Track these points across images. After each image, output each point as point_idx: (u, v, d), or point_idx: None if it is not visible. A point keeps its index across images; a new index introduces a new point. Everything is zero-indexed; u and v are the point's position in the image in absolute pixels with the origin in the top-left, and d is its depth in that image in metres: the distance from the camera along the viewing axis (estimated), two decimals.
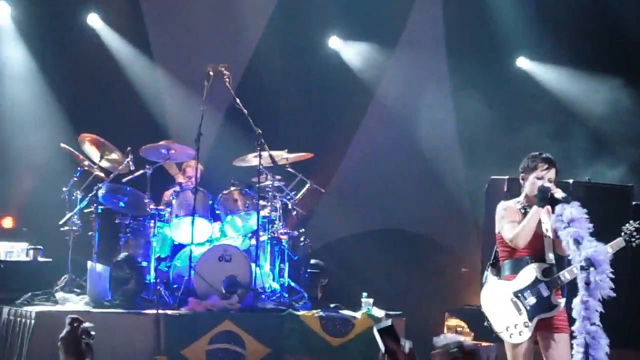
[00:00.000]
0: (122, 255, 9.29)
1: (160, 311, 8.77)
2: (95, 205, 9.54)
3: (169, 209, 9.68)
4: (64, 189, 9.60)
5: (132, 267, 9.16)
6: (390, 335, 3.86)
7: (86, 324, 3.70)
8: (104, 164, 9.83)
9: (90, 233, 9.58)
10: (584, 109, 11.91)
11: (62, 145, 9.87)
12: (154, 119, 11.52)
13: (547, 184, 6.43)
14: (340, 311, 9.40)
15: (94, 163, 9.78)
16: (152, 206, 9.61)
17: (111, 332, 8.49)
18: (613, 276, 6.11)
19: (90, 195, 9.54)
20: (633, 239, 6.45)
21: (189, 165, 10.13)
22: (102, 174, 9.76)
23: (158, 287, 9.17)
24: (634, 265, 9.67)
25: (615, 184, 10.62)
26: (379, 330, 3.91)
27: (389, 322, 3.94)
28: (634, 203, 10.23)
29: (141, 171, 9.72)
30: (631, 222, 6.51)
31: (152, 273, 9.37)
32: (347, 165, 12.26)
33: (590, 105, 11.86)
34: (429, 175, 11.99)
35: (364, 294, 9.45)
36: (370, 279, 11.03)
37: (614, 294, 6.11)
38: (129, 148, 9.70)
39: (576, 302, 6.11)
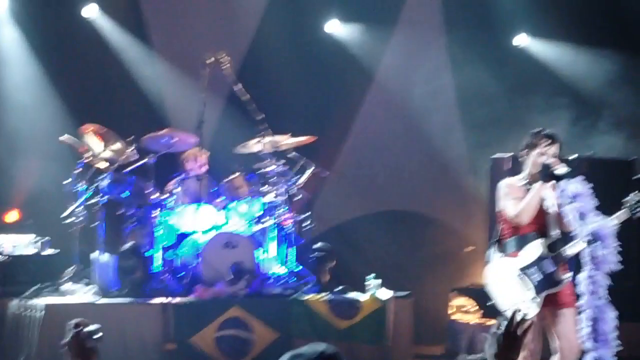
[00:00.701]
0: (128, 245, 9.30)
1: (168, 299, 8.80)
2: (99, 196, 9.55)
3: (173, 198, 9.69)
4: (68, 180, 9.60)
5: (138, 257, 9.18)
6: None
7: (90, 327, 3.67)
8: (107, 154, 9.81)
9: (95, 224, 9.58)
10: (585, 85, 11.88)
11: (65, 136, 9.86)
12: (155, 108, 11.50)
13: (550, 160, 6.43)
14: (347, 294, 9.41)
15: (97, 154, 9.77)
16: (156, 195, 9.62)
17: (120, 323, 8.53)
18: (619, 249, 6.11)
19: (93, 186, 9.54)
20: (637, 210, 6.44)
21: (192, 153, 10.13)
22: (105, 165, 9.75)
23: (165, 276, 9.18)
24: None
25: (617, 158, 10.61)
26: None
27: None
28: (637, 176, 10.23)
29: (144, 160, 9.72)
30: (635, 192, 6.51)
31: (159, 262, 9.39)
32: (350, 147, 12.25)
33: (592, 80, 11.83)
34: (431, 155, 11.97)
35: (372, 275, 9.46)
36: (376, 261, 11.04)
37: (621, 267, 6.12)
38: (131, 137, 9.70)
39: (582, 277, 6.12)
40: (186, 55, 11.35)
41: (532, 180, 6.49)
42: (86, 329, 3.65)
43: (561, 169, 6.35)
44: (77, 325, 3.64)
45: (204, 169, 9.92)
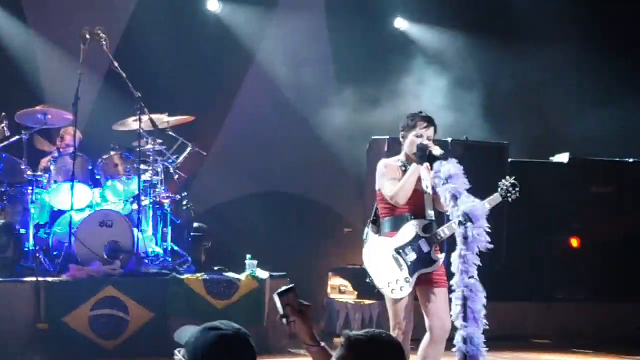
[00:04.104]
0: None
1: (40, 279, 8.62)
2: None
3: (47, 175, 9.50)
4: None
5: (10, 235, 8.99)
6: (289, 298, 3.88)
7: None
8: None
9: None
10: (461, 69, 12.12)
11: None
12: (30, 84, 11.25)
13: (426, 142, 6.54)
14: (225, 274, 9.40)
15: None
16: (29, 172, 9.42)
17: None
18: (490, 230, 6.25)
19: None
20: (509, 194, 6.60)
21: (67, 131, 9.96)
22: None
23: (37, 255, 9.00)
24: (511, 220, 9.94)
25: (492, 142, 10.88)
26: (279, 294, 3.93)
27: (290, 286, 3.96)
28: (510, 160, 10.51)
29: (17, 137, 9.51)
30: (507, 177, 6.67)
31: (31, 240, 9.20)
32: (229, 128, 12.22)
33: (468, 66, 12.07)
34: (310, 137, 12.04)
35: (248, 256, 9.47)
36: (254, 241, 11.05)
37: (492, 246, 6.26)
38: (3, 114, 9.48)
39: (455, 256, 6.23)
40: (62, 30, 11.12)
41: (408, 161, 6.59)
42: None
43: (437, 151, 6.46)
44: None
45: (70, 149, 9.67)
